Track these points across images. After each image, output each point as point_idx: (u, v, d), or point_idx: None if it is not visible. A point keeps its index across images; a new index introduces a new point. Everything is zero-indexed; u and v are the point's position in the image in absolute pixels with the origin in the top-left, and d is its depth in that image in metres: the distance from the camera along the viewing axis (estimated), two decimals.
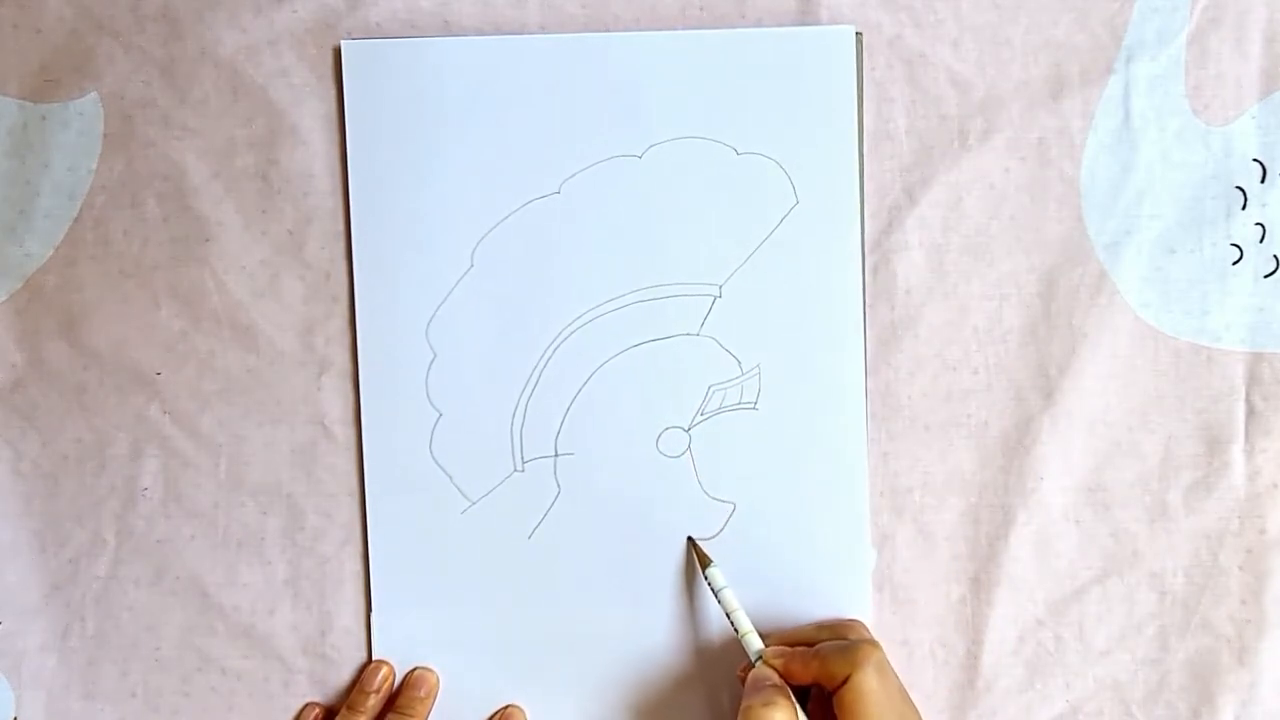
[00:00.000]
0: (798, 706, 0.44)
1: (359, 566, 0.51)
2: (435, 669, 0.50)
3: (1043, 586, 0.51)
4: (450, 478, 0.50)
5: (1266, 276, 0.50)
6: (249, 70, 0.50)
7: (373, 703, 0.49)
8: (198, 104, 0.50)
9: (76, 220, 0.50)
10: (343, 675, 0.51)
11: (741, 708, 0.44)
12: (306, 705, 0.51)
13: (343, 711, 0.49)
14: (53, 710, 0.51)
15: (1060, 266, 0.50)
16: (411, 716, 0.49)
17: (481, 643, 0.51)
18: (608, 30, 0.50)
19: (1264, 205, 0.50)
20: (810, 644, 0.46)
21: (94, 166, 0.50)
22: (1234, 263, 0.50)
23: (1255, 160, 0.50)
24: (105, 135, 0.50)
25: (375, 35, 0.50)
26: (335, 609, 0.51)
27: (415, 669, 0.50)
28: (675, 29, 0.50)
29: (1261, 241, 0.50)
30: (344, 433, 0.51)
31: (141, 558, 0.51)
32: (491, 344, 0.50)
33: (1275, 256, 0.50)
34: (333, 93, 0.50)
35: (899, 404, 0.51)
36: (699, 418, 0.50)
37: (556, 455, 0.50)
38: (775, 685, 0.44)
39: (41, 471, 0.51)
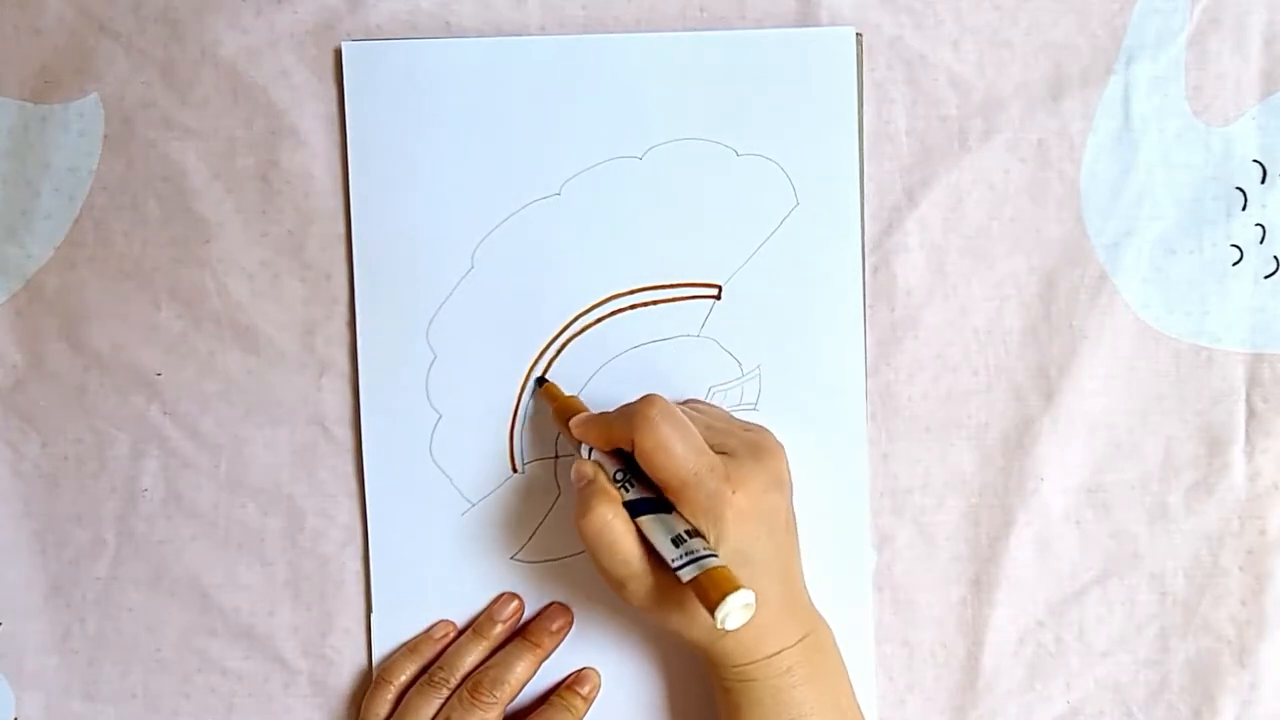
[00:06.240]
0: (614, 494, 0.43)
1: (359, 567, 0.51)
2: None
3: (1043, 587, 0.51)
4: (450, 479, 0.50)
5: (1267, 277, 0.50)
6: (249, 71, 0.50)
7: (498, 630, 0.49)
8: (198, 105, 0.50)
9: (77, 221, 0.50)
10: (343, 676, 0.51)
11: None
12: (440, 622, 0.50)
13: (468, 633, 0.49)
14: (53, 710, 0.51)
15: (1060, 267, 0.50)
16: (539, 646, 0.49)
17: None
18: (608, 32, 0.50)
19: (1264, 206, 0.50)
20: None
21: (94, 167, 0.50)
22: (1234, 263, 0.50)
23: (1255, 161, 0.50)
24: (105, 136, 0.50)
25: (376, 36, 0.50)
26: (335, 610, 0.51)
27: (553, 602, 0.50)
28: (675, 30, 0.50)
29: (1261, 242, 0.50)
30: (344, 434, 0.51)
31: (141, 558, 0.51)
32: (491, 345, 0.50)
33: (1275, 257, 0.50)
34: (333, 94, 0.50)
35: (899, 405, 0.51)
36: None
37: (557, 457, 0.50)
38: (589, 484, 0.43)
39: (41, 472, 0.51)
